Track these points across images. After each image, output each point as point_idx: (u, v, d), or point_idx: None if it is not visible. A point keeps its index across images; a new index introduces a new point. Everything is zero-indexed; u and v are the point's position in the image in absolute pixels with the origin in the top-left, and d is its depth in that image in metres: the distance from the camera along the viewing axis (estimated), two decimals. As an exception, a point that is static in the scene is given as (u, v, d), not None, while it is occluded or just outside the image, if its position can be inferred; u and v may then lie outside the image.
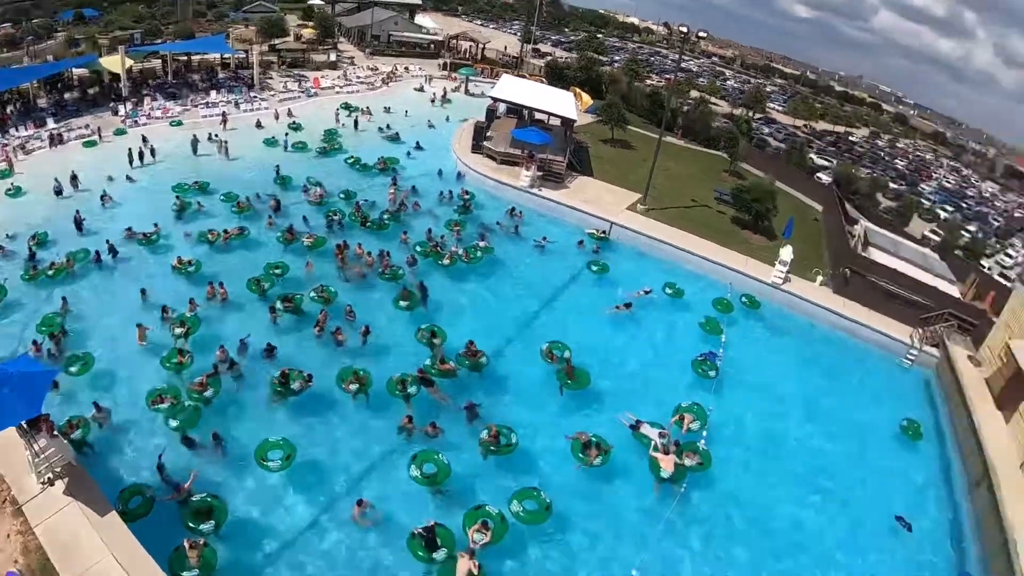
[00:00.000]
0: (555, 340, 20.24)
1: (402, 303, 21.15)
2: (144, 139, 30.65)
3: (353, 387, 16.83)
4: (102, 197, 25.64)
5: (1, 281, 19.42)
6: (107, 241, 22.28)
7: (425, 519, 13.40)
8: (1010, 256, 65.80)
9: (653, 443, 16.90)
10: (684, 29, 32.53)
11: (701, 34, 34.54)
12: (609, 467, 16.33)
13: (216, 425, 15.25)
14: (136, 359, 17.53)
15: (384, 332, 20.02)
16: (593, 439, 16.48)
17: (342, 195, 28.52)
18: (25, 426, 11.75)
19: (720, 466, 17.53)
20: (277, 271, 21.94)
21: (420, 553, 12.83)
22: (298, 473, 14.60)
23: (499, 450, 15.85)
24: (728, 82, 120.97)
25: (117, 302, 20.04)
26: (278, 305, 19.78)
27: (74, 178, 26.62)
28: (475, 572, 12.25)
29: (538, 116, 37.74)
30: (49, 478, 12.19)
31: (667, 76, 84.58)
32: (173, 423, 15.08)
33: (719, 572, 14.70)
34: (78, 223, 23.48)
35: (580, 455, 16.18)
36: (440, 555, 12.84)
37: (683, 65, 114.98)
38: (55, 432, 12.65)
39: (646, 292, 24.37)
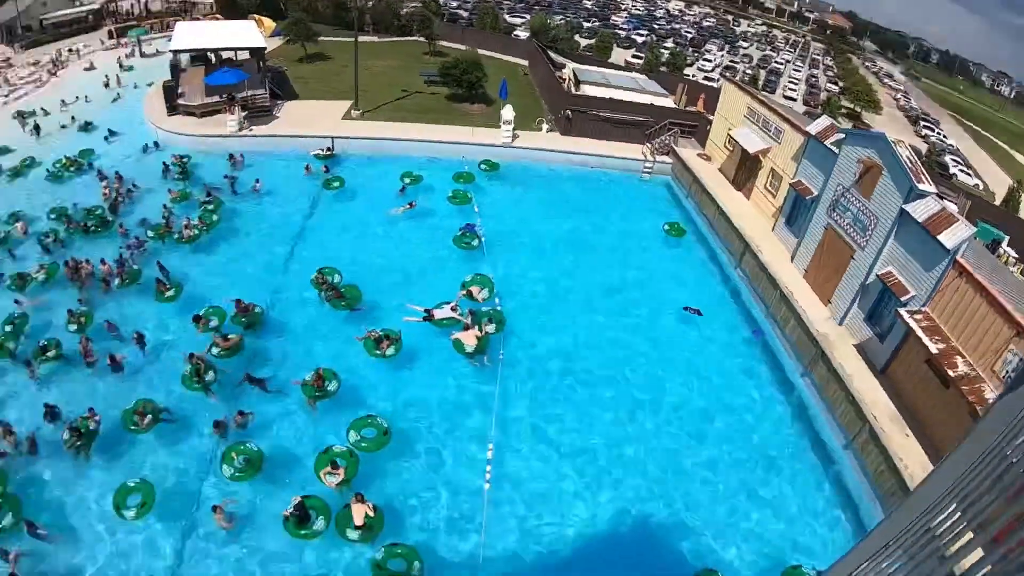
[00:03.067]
0: (324, 265, 20.45)
1: (164, 295, 19.61)
2: None
3: (147, 420, 15.13)
4: None
5: None
6: None
7: (292, 498, 13.23)
8: (709, 60, 75.28)
9: (461, 323, 18.17)
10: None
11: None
12: (413, 353, 17.67)
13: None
14: None
15: (157, 332, 18.55)
16: (381, 332, 17.53)
17: (52, 215, 24.03)
18: None
19: (519, 322, 19.54)
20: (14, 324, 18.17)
21: (299, 531, 12.97)
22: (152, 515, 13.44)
23: (325, 394, 15.93)
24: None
25: None
26: (34, 361, 16.89)
27: None
28: (371, 513, 12.93)
29: (226, 56, 35.16)
30: None
31: (346, -25, 79.91)
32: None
33: (563, 414, 16.93)
34: None
35: (376, 352, 17.14)
36: (319, 525, 13.12)
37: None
38: None
39: (401, 191, 25.52)
